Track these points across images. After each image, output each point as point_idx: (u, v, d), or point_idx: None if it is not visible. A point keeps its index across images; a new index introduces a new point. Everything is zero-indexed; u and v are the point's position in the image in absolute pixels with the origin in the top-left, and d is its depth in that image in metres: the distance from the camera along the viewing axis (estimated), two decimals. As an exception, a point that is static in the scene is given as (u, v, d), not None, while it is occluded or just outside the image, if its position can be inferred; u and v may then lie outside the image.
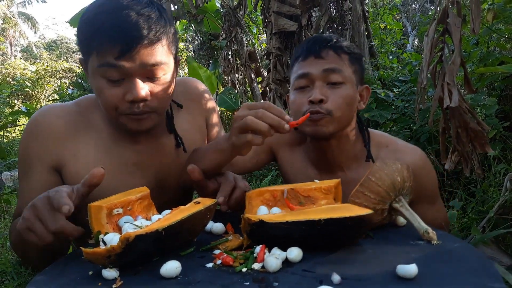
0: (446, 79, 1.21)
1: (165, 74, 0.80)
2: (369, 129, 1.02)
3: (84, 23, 0.75)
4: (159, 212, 0.75)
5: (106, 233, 0.64)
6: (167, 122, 0.96)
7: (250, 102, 5.37)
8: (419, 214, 0.89)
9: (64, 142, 0.86)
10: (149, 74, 0.77)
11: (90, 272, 0.60)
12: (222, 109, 4.54)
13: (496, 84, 2.20)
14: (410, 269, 0.55)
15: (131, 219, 0.70)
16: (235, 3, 4.47)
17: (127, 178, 0.90)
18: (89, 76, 0.81)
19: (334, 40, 0.93)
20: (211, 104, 1.08)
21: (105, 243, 0.62)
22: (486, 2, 2.04)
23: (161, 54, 0.77)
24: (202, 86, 1.08)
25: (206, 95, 1.07)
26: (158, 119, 0.84)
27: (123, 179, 0.89)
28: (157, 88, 0.78)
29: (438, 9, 1.34)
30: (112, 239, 0.61)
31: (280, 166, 1.10)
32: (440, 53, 1.32)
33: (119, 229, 0.68)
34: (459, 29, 1.18)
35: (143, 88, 0.76)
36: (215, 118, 1.09)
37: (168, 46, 0.79)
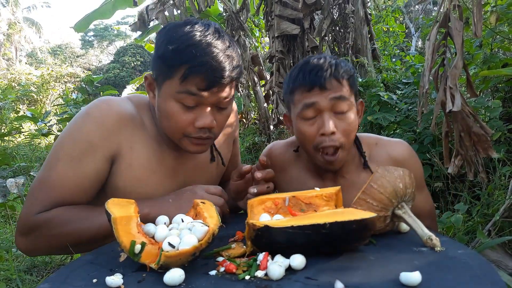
0: (449, 83, 1.21)
1: (230, 105, 0.90)
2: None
3: (173, 51, 0.81)
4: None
5: (143, 243, 0.63)
6: None
7: (254, 104, 5.31)
8: None
9: (125, 131, 0.89)
10: (218, 104, 0.87)
11: (94, 280, 0.60)
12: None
13: (500, 86, 2.19)
14: (413, 277, 0.55)
15: (154, 226, 0.70)
16: (238, 6, 4.49)
17: (165, 181, 0.94)
18: (158, 95, 0.87)
19: (333, 67, 0.93)
20: (237, 121, 1.19)
21: (140, 248, 0.63)
22: (489, 4, 2.04)
23: (232, 89, 0.88)
24: (236, 112, 1.17)
25: (236, 113, 1.17)
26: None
27: (161, 181, 0.94)
28: (221, 117, 0.89)
29: (440, 11, 1.34)
30: (185, 238, 0.63)
31: (279, 190, 1.13)
32: (442, 56, 1.32)
33: (145, 237, 0.66)
34: (460, 33, 1.18)
35: (213, 117, 0.86)
36: (237, 133, 1.19)
37: (237, 83, 0.90)
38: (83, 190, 0.85)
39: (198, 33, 0.81)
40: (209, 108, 0.85)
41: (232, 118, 1.12)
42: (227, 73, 0.82)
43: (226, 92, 0.85)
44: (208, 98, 0.83)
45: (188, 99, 0.83)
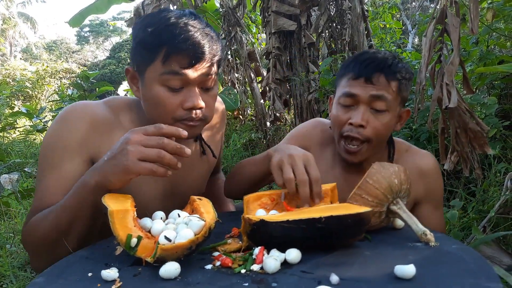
0: (445, 80, 1.21)
1: (215, 86, 0.90)
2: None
3: (152, 34, 0.82)
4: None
5: (139, 237, 0.62)
6: None
7: (251, 100, 5.29)
8: (422, 216, 0.91)
9: (102, 134, 0.87)
10: (204, 84, 0.86)
11: (90, 274, 0.60)
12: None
13: (496, 83, 2.20)
14: (408, 269, 0.55)
15: (151, 220, 0.70)
16: (234, 2, 4.47)
17: (149, 180, 0.92)
18: (142, 84, 0.87)
19: (389, 64, 0.93)
20: (224, 119, 1.18)
21: (135, 242, 0.62)
22: (485, 1, 2.04)
23: (215, 68, 0.88)
24: (223, 105, 1.17)
25: (224, 114, 1.17)
26: (203, 128, 0.93)
27: (146, 180, 0.91)
28: (208, 98, 0.88)
29: (437, 7, 1.33)
30: (180, 232, 0.62)
31: None
32: (439, 53, 1.32)
33: (142, 231, 0.66)
34: (457, 29, 1.18)
35: (201, 97, 0.85)
36: (223, 131, 1.19)
37: (219, 63, 0.90)
38: (67, 191, 0.82)
39: (174, 15, 0.83)
40: (195, 88, 0.84)
41: (217, 118, 1.11)
42: (207, 49, 0.83)
43: (209, 70, 0.85)
44: (192, 77, 0.82)
45: (173, 80, 0.82)
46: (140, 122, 0.93)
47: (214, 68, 0.87)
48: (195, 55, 0.81)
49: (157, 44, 0.81)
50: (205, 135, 1.06)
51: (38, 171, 0.87)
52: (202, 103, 0.85)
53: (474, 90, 2.16)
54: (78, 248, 0.77)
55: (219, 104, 1.14)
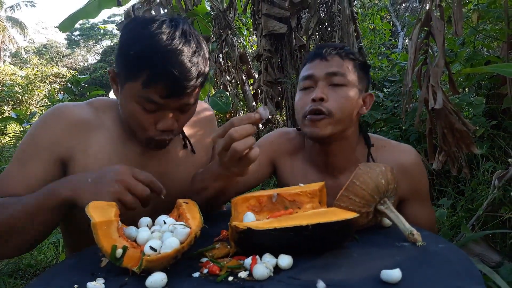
0: (431, 81, 1.22)
1: (194, 105, 0.89)
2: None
3: (136, 55, 0.78)
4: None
5: (124, 247, 0.62)
6: None
7: (242, 103, 5.32)
8: (410, 214, 0.90)
9: (77, 135, 0.89)
10: (181, 109, 0.86)
11: (76, 286, 0.60)
12: (214, 111, 4.54)
13: (483, 83, 2.23)
14: (393, 274, 0.56)
15: (136, 229, 0.70)
16: (225, 5, 4.48)
17: None
18: (120, 92, 0.87)
19: (340, 47, 0.98)
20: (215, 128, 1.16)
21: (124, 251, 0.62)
22: (471, 3, 2.07)
23: (197, 94, 0.86)
24: (210, 111, 1.15)
25: (212, 120, 1.15)
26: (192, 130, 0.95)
27: None
28: (183, 117, 0.89)
29: (422, 10, 1.35)
30: (167, 240, 0.62)
31: (280, 177, 1.10)
32: (425, 55, 1.34)
33: (127, 241, 0.65)
34: (442, 32, 1.20)
35: (174, 121, 0.86)
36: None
37: (203, 84, 0.86)
38: (29, 187, 0.84)
39: (164, 37, 0.77)
40: (171, 114, 0.85)
41: (205, 126, 1.11)
42: (190, 82, 0.80)
43: (191, 99, 0.85)
44: (169, 106, 0.83)
45: (150, 105, 0.82)
46: (122, 122, 0.94)
47: (197, 93, 0.86)
48: (177, 89, 0.79)
49: (140, 67, 0.78)
50: (191, 136, 1.06)
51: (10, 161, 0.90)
52: (175, 125, 0.86)
53: (461, 90, 2.19)
54: (23, 247, 0.82)
55: (206, 111, 1.13)
